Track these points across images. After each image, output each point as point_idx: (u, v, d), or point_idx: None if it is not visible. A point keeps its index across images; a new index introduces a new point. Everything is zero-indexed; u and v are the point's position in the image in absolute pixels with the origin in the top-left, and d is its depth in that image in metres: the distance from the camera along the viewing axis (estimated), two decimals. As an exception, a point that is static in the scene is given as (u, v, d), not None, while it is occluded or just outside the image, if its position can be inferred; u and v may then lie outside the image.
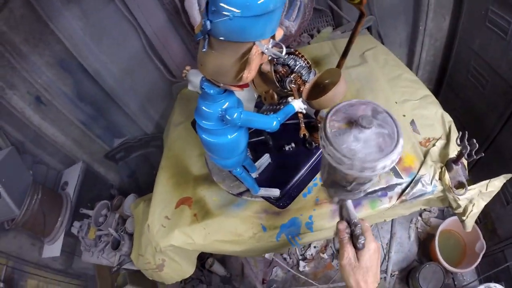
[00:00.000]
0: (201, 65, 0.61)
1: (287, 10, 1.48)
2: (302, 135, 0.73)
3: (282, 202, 1.03)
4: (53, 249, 1.70)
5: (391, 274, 1.75)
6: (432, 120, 1.17)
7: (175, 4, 1.47)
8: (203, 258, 2.09)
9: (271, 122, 0.69)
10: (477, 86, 1.58)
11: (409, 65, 1.84)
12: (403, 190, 1.04)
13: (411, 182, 1.04)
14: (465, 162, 1.06)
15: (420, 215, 1.94)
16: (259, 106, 1.07)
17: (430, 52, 1.76)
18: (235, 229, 1.10)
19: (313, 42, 1.68)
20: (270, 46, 0.57)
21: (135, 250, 1.37)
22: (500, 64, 1.39)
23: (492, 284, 1.35)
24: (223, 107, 0.67)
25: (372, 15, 1.62)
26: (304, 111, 0.74)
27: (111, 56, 1.65)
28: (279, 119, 0.70)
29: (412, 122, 1.17)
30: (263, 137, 1.14)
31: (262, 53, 0.57)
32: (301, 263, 2.03)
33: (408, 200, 1.04)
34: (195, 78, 1.11)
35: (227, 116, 0.66)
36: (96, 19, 1.51)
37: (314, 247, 2.08)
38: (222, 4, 0.48)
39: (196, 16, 1.39)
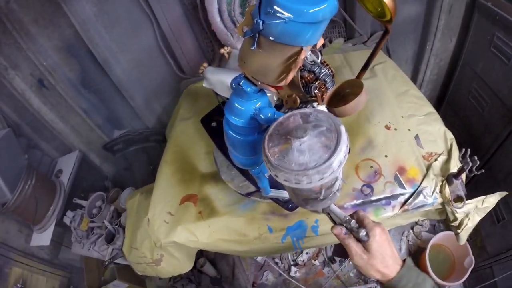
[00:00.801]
0: (244, 62, 0.62)
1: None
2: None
3: (291, 204, 1.04)
4: (42, 238, 1.65)
5: (381, 284, 1.78)
6: (435, 136, 1.22)
7: (194, 0, 1.47)
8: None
9: None
10: (476, 107, 1.64)
11: (413, 81, 1.88)
12: (406, 200, 1.08)
13: (413, 193, 1.08)
14: (464, 177, 1.11)
15: (412, 228, 1.99)
16: (277, 109, 1.08)
17: (434, 71, 1.82)
18: (240, 228, 1.10)
19: (324, 52, 1.71)
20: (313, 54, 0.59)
21: (127, 243, 1.35)
22: (501, 88, 1.46)
23: None
24: (256, 105, 0.69)
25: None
26: (328, 117, 0.75)
27: (122, 46, 1.62)
28: (306, 122, 0.71)
29: (417, 137, 1.22)
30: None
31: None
32: (293, 268, 2.04)
33: (410, 210, 1.08)
34: (211, 76, 1.12)
35: (261, 115, 0.68)
36: (111, 6, 1.49)
37: (306, 253, 2.10)
38: (277, 8, 0.50)
39: (215, 14, 1.40)
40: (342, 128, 0.52)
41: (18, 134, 1.70)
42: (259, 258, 2.12)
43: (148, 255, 1.22)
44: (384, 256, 0.64)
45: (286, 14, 0.50)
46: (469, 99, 1.68)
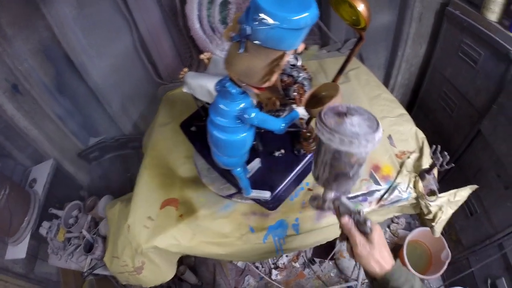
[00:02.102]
0: (230, 65, 0.66)
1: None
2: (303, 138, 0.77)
3: (272, 204, 1.06)
4: (17, 251, 1.57)
5: (361, 282, 1.83)
6: (407, 135, 1.29)
7: (174, 5, 1.48)
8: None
9: (279, 125, 0.74)
10: (446, 109, 1.74)
11: (385, 86, 1.94)
12: (382, 196, 1.14)
13: (388, 189, 1.14)
14: (436, 173, 1.18)
15: (388, 226, 2.06)
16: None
17: (405, 76, 1.92)
18: (222, 230, 1.11)
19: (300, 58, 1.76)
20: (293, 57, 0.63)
21: (109, 252, 1.31)
22: (468, 91, 1.55)
23: None
24: (240, 106, 0.72)
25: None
26: (305, 118, 0.79)
27: (100, 50, 1.60)
28: (286, 122, 0.75)
29: (390, 137, 1.28)
30: (254, 142, 1.17)
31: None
32: (274, 272, 2.06)
33: (386, 205, 1.13)
34: (192, 80, 1.13)
35: (245, 115, 0.71)
36: (91, 10, 1.47)
37: (286, 256, 2.12)
38: (264, 15, 0.55)
39: (194, 20, 1.41)
40: (378, 120, 0.63)
41: (-10, 142, 1.63)
42: (239, 263, 2.12)
43: (130, 263, 1.19)
44: (382, 248, 0.70)
45: (272, 21, 0.55)
46: (438, 102, 1.78)
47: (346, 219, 0.73)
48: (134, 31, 1.55)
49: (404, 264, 1.70)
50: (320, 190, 0.76)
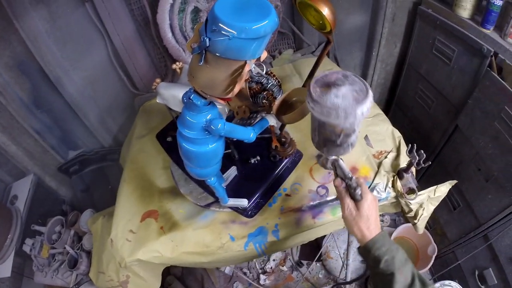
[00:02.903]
0: (193, 77, 0.65)
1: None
2: (274, 146, 0.78)
3: (250, 212, 1.07)
4: (2, 269, 1.53)
5: (349, 281, 1.84)
6: (384, 135, 1.30)
7: (146, 15, 1.47)
8: (162, 276, 2.02)
9: (249, 134, 0.75)
10: (423, 106, 1.77)
11: (362, 86, 2.01)
12: None
13: (367, 190, 1.14)
14: (414, 171, 1.19)
15: (375, 224, 2.08)
16: (229, 120, 1.11)
17: (381, 76, 1.95)
18: (203, 240, 1.10)
19: (275, 63, 1.78)
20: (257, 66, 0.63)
21: (94, 268, 1.30)
22: (444, 87, 1.58)
23: (446, 281, 1.49)
24: (207, 118, 0.71)
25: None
26: (275, 125, 0.80)
27: (75, 63, 1.58)
28: (255, 131, 0.75)
29: (366, 137, 1.29)
30: (229, 150, 1.17)
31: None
32: (262, 277, 2.06)
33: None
34: (165, 91, 1.12)
35: (211, 126, 0.70)
36: (64, 23, 1.45)
37: (273, 260, 2.12)
38: (222, 25, 0.54)
39: (166, 30, 1.41)
40: (370, 92, 0.64)
41: (-31, 160, 1.59)
42: (227, 270, 2.11)
43: (115, 278, 1.18)
44: (369, 218, 0.74)
45: (230, 31, 0.54)
46: (416, 99, 1.81)
47: (338, 181, 0.78)
48: (108, 42, 1.53)
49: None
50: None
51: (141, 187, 1.32)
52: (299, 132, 1.33)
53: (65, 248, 1.57)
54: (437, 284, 1.47)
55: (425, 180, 1.79)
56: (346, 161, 1.18)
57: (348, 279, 1.81)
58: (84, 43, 1.54)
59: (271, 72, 0.88)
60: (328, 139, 0.71)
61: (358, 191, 0.74)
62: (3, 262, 1.55)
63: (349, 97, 0.63)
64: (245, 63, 0.59)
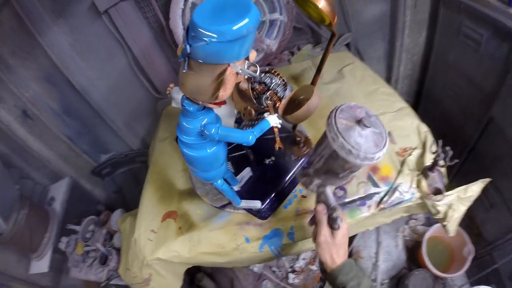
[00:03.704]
0: (181, 84, 0.66)
1: (268, 29, 1.54)
2: (277, 148, 0.76)
3: (264, 214, 1.06)
4: (40, 265, 1.67)
5: (381, 282, 1.76)
6: (408, 130, 1.22)
7: (160, 22, 1.51)
8: (192, 273, 2.08)
9: (247, 137, 0.73)
10: (454, 97, 1.64)
11: (388, 79, 1.91)
12: (381, 199, 1.08)
13: (388, 191, 1.08)
14: (442, 169, 1.11)
15: (407, 223, 1.97)
16: (239, 122, 1.11)
17: (407, 66, 1.83)
18: (218, 241, 1.11)
19: (294, 59, 1.74)
20: (245, 66, 0.62)
21: (123, 264, 1.37)
22: (475, 75, 1.46)
23: (482, 287, 1.38)
24: (202, 123, 0.71)
25: (350, 33, 1.69)
26: (279, 126, 0.78)
27: (98, 72, 1.66)
28: (255, 133, 0.74)
29: (389, 134, 1.22)
30: (244, 152, 1.17)
31: (238, 73, 0.61)
32: (291, 276, 2.03)
33: (387, 208, 1.07)
34: (178, 95, 1.15)
35: (205, 131, 0.70)
36: (84, 35, 1.53)
37: (303, 259, 2.08)
38: (201, 30, 0.53)
39: (180, 35, 1.43)
40: (387, 139, 0.66)
41: (9, 165, 1.73)
42: (256, 268, 2.11)
43: (139, 275, 1.24)
44: (341, 247, 0.77)
45: (210, 34, 0.53)
46: (445, 90, 1.69)
47: (321, 208, 0.79)
48: (127, 50, 1.59)
49: (423, 263, 1.62)
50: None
51: (162, 188, 1.37)
52: (314, 129, 1.29)
53: (97, 245, 1.67)
54: None
55: (460, 176, 1.66)
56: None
57: (379, 281, 1.74)
58: (105, 52, 1.61)
59: (275, 71, 0.86)
60: (332, 171, 0.71)
61: (339, 221, 0.75)
62: (40, 259, 1.69)
63: (370, 140, 0.63)
64: (228, 66, 0.58)
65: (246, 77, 0.66)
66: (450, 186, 1.10)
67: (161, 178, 1.42)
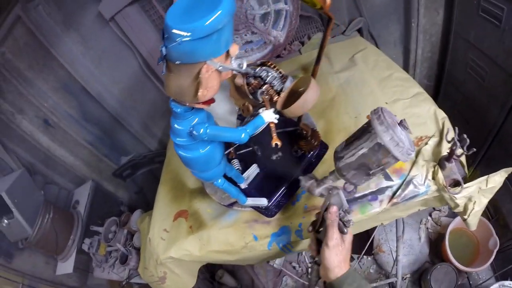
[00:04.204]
0: (165, 86, 0.65)
1: (274, 21, 1.50)
2: (274, 145, 0.74)
3: (271, 211, 1.04)
4: (66, 266, 1.77)
5: (402, 277, 1.70)
6: (425, 118, 1.14)
7: (166, 24, 1.52)
8: (213, 270, 2.11)
9: (239, 135, 0.71)
10: (476, 79, 1.53)
11: (406, 63, 1.81)
12: (394, 193, 1.01)
13: (402, 184, 1.01)
14: (462, 158, 1.03)
15: (430, 214, 1.87)
16: (242, 119, 1.09)
17: (426, 49, 1.72)
18: (227, 239, 1.11)
19: (304, 49, 1.69)
20: (233, 62, 0.61)
21: (142, 263, 1.41)
22: (497, 54, 1.35)
23: (507, 282, 1.29)
24: (192, 123, 0.70)
25: (361, 17, 1.61)
26: (275, 121, 0.75)
27: (111, 78, 1.71)
28: (248, 130, 0.72)
29: (401, 122, 1.15)
30: (250, 148, 1.15)
31: (218, 70, 0.60)
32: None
33: (400, 202, 1.01)
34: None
35: (194, 132, 0.70)
36: (95, 43, 1.58)
37: (323, 254, 2.05)
38: (173, 31, 0.52)
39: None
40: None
41: (33, 172, 1.83)
42: (276, 264, 2.11)
43: (155, 273, 1.27)
44: (349, 252, 0.76)
45: (182, 34, 0.52)
46: (467, 71, 1.57)
47: (335, 209, 0.76)
48: (137, 54, 1.62)
49: (446, 256, 1.54)
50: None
51: (174, 188, 1.39)
52: (325, 121, 1.25)
53: (117, 245, 1.73)
54: (496, 285, 1.27)
55: (485, 164, 1.55)
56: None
57: (400, 275, 1.67)
58: (116, 58, 1.65)
59: (271, 63, 0.83)
60: (366, 166, 0.70)
61: (351, 224, 0.75)
62: (66, 260, 1.79)
63: (408, 140, 0.67)
64: (204, 64, 0.57)
65: (234, 73, 0.64)
66: (474, 175, 1.02)
67: (174, 178, 1.44)
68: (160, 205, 1.37)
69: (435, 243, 1.75)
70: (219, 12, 0.51)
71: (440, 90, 1.86)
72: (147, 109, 1.93)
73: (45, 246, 1.68)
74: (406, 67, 1.81)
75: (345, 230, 0.75)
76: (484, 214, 1.63)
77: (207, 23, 0.51)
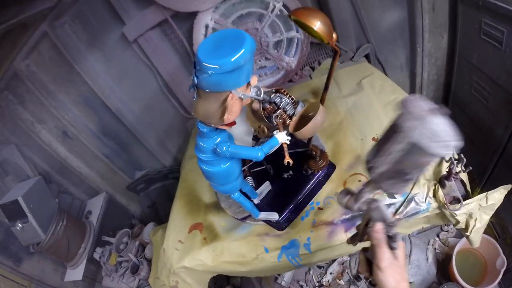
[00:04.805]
0: (194, 110, 0.74)
1: (286, 48, 1.60)
2: (286, 163, 0.81)
3: (281, 225, 1.10)
4: (75, 273, 1.82)
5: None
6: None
7: (185, 47, 1.62)
8: (221, 285, 2.13)
9: (256, 153, 0.79)
10: (480, 100, 1.59)
11: (412, 86, 1.88)
12: (397, 209, 1.07)
13: (404, 201, 1.07)
14: (463, 177, 1.08)
15: (438, 235, 1.89)
16: (256, 139, 1.18)
17: (432, 72, 1.79)
18: (240, 250, 1.17)
19: (314, 74, 1.78)
20: (252, 91, 0.70)
21: (153, 274, 1.47)
22: (499, 75, 1.41)
23: None
24: (216, 142, 0.79)
25: (369, 43, 1.70)
26: (287, 142, 0.83)
27: (131, 96, 1.80)
28: (263, 150, 0.80)
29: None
30: (264, 167, 1.22)
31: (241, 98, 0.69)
32: (318, 290, 2.01)
33: (402, 219, 1.07)
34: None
35: (217, 149, 0.78)
36: (117, 62, 1.67)
37: (330, 273, 2.05)
38: (204, 64, 0.62)
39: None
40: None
41: (49, 181, 1.90)
42: (283, 282, 2.12)
43: (166, 283, 1.31)
44: (404, 267, 0.66)
45: (212, 67, 0.61)
46: (472, 93, 1.63)
47: (380, 226, 0.67)
48: (157, 75, 1.71)
49: (454, 276, 1.55)
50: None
51: (190, 202, 1.46)
52: (331, 140, 1.32)
53: (129, 256, 1.78)
54: None
55: (491, 183, 1.58)
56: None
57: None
58: (137, 77, 1.75)
59: (284, 91, 0.91)
60: (402, 172, 0.62)
61: (399, 238, 0.66)
62: (76, 267, 1.84)
63: (449, 129, 0.56)
64: (229, 93, 0.66)
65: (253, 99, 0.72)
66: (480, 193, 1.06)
67: (190, 193, 1.51)
68: (175, 217, 1.43)
69: (443, 263, 1.75)
70: (242, 51, 0.61)
71: (446, 111, 1.91)
72: (164, 127, 2.02)
73: (56, 252, 1.74)
74: (413, 90, 1.88)
75: (395, 245, 0.66)
76: (492, 233, 1.65)
77: (232, 59, 0.61)
